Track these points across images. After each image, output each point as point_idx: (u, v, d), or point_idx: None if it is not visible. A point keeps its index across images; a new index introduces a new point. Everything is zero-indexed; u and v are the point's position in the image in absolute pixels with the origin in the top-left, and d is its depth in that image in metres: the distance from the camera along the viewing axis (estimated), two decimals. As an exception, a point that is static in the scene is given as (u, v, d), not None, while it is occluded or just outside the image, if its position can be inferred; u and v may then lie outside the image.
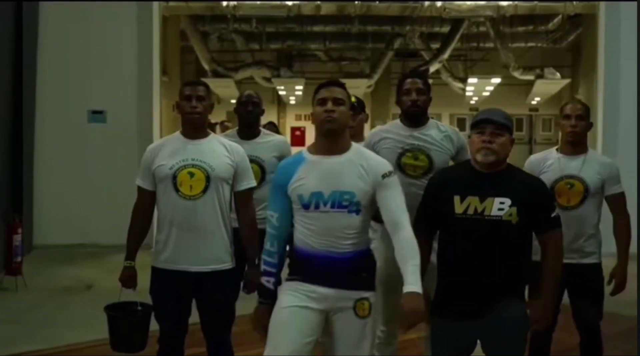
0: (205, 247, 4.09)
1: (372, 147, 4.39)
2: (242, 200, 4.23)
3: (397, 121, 4.58)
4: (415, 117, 4.44)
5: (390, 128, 4.55)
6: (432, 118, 4.67)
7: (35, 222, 10.33)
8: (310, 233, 3.48)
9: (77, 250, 10.06)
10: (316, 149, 3.56)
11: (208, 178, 4.07)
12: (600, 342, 4.56)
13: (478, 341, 3.63)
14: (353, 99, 5.10)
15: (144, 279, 4.25)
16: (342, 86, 3.59)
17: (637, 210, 7.62)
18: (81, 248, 10.12)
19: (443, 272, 3.61)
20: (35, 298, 7.65)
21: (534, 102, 23.64)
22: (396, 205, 3.48)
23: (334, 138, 3.50)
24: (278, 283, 3.63)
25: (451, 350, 3.59)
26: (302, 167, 3.52)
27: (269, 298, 3.56)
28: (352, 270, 3.47)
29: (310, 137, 21.21)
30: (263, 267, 3.61)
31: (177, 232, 4.10)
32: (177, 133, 4.24)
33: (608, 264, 4.54)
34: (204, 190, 4.07)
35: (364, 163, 3.49)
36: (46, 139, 10.57)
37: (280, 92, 23.06)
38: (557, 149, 4.60)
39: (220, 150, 4.16)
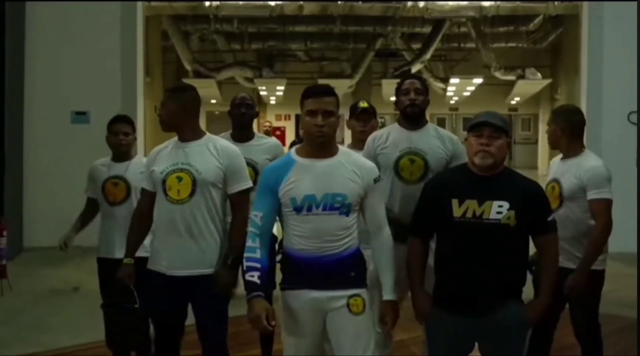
0: (193, 250, 4.07)
1: (374, 151, 4.45)
2: (235, 202, 4.17)
3: (395, 124, 4.62)
4: (413, 118, 4.47)
5: (388, 132, 4.58)
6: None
7: (25, 224, 10.28)
8: (302, 236, 3.51)
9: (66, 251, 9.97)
10: (305, 153, 3.59)
11: (195, 182, 4.05)
12: (600, 342, 4.58)
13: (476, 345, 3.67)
14: (365, 104, 5.13)
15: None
16: (332, 93, 3.57)
17: (637, 210, 7.71)
18: (70, 250, 10.02)
19: (441, 275, 3.63)
20: (24, 300, 7.60)
21: (513, 102, 23.81)
22: (381, 209, 3.65)
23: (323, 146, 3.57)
24: (267, 277, 3.60)
25: (449, 348, 3.60)
26: (292, 170, 3.54)
27: (257, 291, 3.47)
28: (341, 271, 3.51)
29: (290, 136, 21.22)
30: (246, 264, 3.55)
31: (166, 236, 4.11)
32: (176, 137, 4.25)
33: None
34: (191, 194, 4.05)
35: (356, 166, 3.55)
36: (34, 141, 10.51)
37: (262, 93, 23.04)
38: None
39: (209, 153, 4.12)
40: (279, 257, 4.05)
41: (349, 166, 3.54)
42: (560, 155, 4.59)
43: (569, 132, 4.48)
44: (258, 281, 3.49)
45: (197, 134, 4.19)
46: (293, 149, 3.66)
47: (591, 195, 4.32)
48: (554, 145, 4.57)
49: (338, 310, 3.50)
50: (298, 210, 3.49)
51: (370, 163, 3.67)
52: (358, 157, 3.70)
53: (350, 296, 3.50)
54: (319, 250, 3.47)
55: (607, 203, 4.32)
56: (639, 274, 5.32)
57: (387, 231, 3.64)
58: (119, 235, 4.75)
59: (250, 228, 3.61)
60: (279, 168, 3.60)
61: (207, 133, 4.24)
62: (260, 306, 3.42)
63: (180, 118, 4.15)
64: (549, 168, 4.70)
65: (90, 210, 5.26)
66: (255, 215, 3.59)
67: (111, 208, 5.00)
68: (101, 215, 5.14)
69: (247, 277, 3.51)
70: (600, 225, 4.31)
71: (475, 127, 3.51)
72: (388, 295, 3.59)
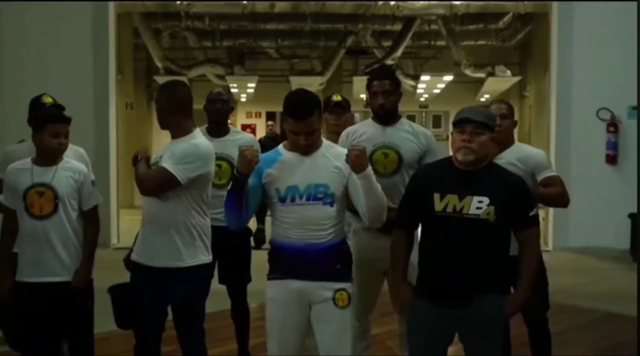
0: (163, 243, 4.12)
1: (348, 145, 4.49)
2: None
3: (370, 119, 4.70)
4: (384, 118, 4.56)
5: (362, 127, 4.66)
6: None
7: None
8: (287, 225, 3.63)
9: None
10: (290, 148, 3.72)
11: None
12: (548, 334, 4.70)
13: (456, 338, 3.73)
14: (339, 98, 5.21)
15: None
16: (312, 111, 3.61)
17: (637, 210, 7.84)
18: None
19: (424, 266, 3.70)
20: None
21: (482, 99, 23.95)
22: None
23: None
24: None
25: (429, 338, 3.67)
26: (278, 163, 3.68)
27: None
28: (327, 261, 3.61)
29: (261, 134, 21.12)
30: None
31: (143, 227, 4.23)
32: None
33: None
34: None
35: (338, 158, 3.67)
36: (5, 139, 10.38)
37: (233, 90, 22.93)
38: None
39: (180, 149, 4.13)
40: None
41: (331, 158, 3.67)
42: None
43: (514, 126, 4.71)
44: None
45: (184, 131, 4.19)
46: (281, 144, 3.78)
47: (541, 175, 4.55)
48: (504, 138, 4.61)
49: (324, 303, 3.60)
50: (282, 200, 3.62)
51: None
52: (340, 149, 3.80)
53: (337, 291, 3.60)
54: (304, 239, 3.58)
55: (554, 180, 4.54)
56: (639, 273, 5.42)
57: None
58: (50, 254, 4.29)
59: None
60: (266, 160, 3.71)
61: (195, 131, 4.25)
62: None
63: (167, 115, 4.18)
64: None
65: (12, 226, 4.42)
66: None
67: (34, 222, 4.31)
68: (21, 231, 4.38)
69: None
70: (556, 193, 4.54)
71: (458, 123, 3.57)
72: None
